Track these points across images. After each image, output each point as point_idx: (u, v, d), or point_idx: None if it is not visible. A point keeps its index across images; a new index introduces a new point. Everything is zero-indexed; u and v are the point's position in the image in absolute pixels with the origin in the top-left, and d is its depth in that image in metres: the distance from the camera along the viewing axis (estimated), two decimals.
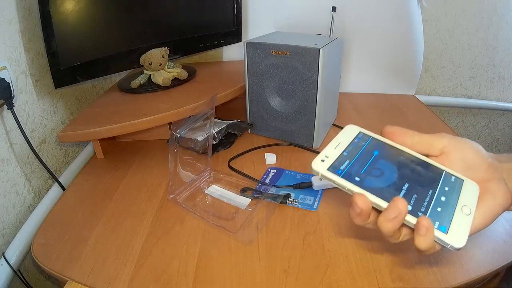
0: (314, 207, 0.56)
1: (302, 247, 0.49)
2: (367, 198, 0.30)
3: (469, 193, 0.31)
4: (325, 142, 0.76)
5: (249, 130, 0.80)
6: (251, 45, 0.69)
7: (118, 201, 0.60)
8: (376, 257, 0.46)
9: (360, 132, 0.36)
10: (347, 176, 0.32)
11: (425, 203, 0.31)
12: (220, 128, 0.73)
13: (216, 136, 0.71)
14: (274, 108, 0.73)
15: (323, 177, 0.32)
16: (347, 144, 0.34)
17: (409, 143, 0.34)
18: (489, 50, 1.09)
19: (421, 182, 0.32)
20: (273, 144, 0.75)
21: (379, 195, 0.30)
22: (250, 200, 0.58)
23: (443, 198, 0.31)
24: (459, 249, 0.28)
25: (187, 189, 0.61)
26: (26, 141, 0.60)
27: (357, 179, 0.31)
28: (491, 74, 1.13)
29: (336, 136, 0.35)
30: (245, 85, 0.75)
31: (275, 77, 0.70)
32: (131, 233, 0.52)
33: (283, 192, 0.59)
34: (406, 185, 0.31)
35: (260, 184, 0.62)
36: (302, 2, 0.96)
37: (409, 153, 0.34)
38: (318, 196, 0.59)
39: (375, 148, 0.34)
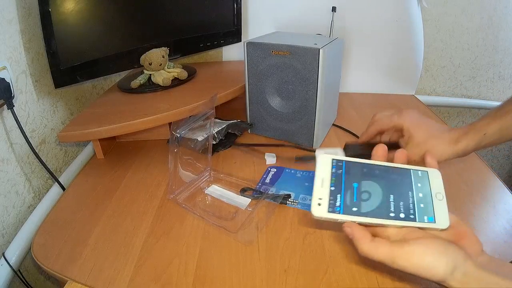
0: None
1: (302, 247, 0.49)
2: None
3: (435, 179, 0.38)
4: (325, 142, 0.76)
5: (249, 130, 0.80)
6: (251, 45, 0.69)
7: (118, 201, 0.60)
8: None
9: (333, 160, 0.39)
10: (346, 210, 0.36)
11: (411, 205, 0.36)
12: (220, 128, 0.73)
13: (216, 136, 0.71)
14: (274, 108, 0.73)
15: (327, 220, 0.36)
16: (329, 178, 0.38)
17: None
18: (489, 50, 1.09)
19: (400, 188, 0.37)
20: (273, 145, 0.74)
21: (377, 215, 0.36)
22: (250, 200, 0.58)
23: (420, 195, 0.37)
24: (447, 228, 0.35)
25: (187, 189, 0.61)
26: (26, 141, 0.60)
27: (354, 209, 0.36)
28: (491, 74, 1.13)
29: (316, 173, 0.38)
30: (245, 85, 0.75)
31: (275, 77, 0.70)
32: (131, 233, 0.52)
33: (283, 192, 0.59)
34: (391, 196, 0.37)
35: (260, 184, 0.62)
36: (302, 2, 0.96)
37: (379, 165, 0.39)
38: None
39: (352, 172, 0.38)
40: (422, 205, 0.36)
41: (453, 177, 0.63)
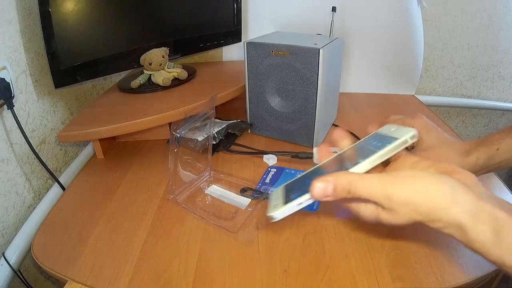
0: (314, 207, 0.56)
1: (302, 247, 0.49)
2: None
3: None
4: (325, 142, 0.76)
5: (249, 130, 0.80)
6: (251, 45, 0.69)
7: (118, 201, 0.60)
8: (376, 257, 0.46)
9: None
10: (300, 193, 0.33)
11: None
12: (220, 128, 0.73)
13: (216, 136, 0.71)
14: (274, 108, 0.73)
15: (288, 212, 0.34)
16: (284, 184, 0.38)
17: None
18: (489, 50, 1.09)
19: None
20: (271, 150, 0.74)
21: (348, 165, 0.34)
22: (250, 200, 0.58)
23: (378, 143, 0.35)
24: (416, 134, 0.34)
25: (187, 189, 0.61)
26: (26, 141, 0.60)
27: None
28: (491, 74, 1.13)
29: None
30: (245, 85, 0.75)
31: (275, 77, 0.70)
32: (131, 233, 0.52)
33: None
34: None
35: (260, 184, 0.62)
36: (302, 2, 0.96)
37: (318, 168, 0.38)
38: None
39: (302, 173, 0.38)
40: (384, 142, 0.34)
41: None
